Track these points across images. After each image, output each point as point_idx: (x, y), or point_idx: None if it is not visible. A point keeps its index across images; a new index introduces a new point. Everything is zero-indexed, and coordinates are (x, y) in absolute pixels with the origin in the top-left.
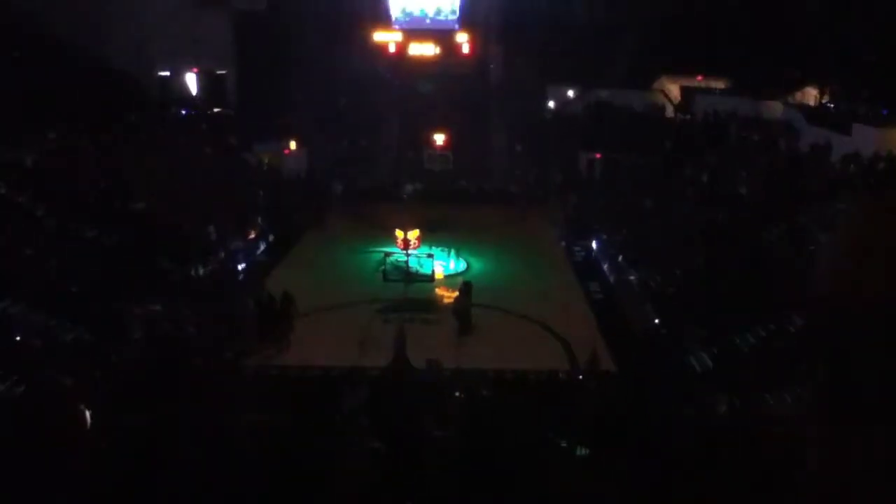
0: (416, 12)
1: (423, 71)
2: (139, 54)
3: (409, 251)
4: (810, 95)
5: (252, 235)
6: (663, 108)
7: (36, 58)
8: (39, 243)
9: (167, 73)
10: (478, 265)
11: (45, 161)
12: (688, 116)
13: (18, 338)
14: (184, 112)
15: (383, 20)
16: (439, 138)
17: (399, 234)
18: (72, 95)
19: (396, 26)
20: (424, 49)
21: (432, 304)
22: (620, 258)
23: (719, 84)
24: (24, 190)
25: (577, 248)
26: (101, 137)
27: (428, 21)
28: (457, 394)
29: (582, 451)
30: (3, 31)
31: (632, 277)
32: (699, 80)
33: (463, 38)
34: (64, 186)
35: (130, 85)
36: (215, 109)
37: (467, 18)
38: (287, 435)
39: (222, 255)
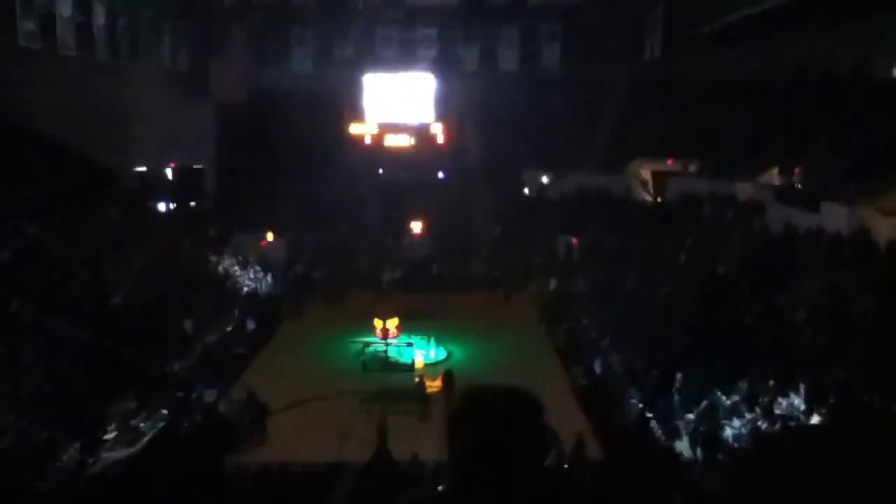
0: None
1: (400, 159)
2: (119, 150)
3: (389, 340)
4: (776, 176)
5: (229, 328)
6: (636, 192)
7: (13, 153)
8: (13, 340)
9: (144, 169)
10: (459, 353)
11: (21, 256)
12: (658, 200)
13: None
14: (162, 206)
15: (361, 113)
16: (416, 226)
17: (378, 323)
18: (50, 190)
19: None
20: (400, 140)
21: (414, 394)
22: (602, 342)
23: (690, 166)
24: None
25: (558, 332)
26: (79, 232)
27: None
28: (440, 488)
29: None
30: None
31: (615, 362)
32: (669, 164)
33: (437, 129)
34: (40, 282)
35: (109, 180)
36: (192, 203)
37: (441, 109)
38: None
39: (199, 349)
